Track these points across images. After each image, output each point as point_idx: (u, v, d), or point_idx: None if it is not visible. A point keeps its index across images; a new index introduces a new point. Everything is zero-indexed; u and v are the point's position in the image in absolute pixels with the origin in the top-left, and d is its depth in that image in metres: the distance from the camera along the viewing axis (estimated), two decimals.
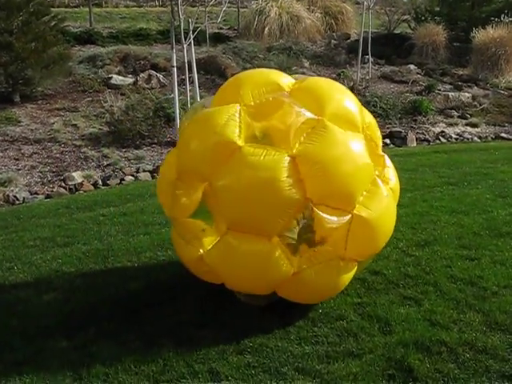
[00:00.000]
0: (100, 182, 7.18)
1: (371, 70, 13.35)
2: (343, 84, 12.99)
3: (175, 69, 8.54)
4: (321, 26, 16.53)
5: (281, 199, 3.06)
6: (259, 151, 3.10)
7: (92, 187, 7.04)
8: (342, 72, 13.42)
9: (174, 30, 8.60)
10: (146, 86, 10.71)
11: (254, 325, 3.47)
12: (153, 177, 7.50)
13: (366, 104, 11.30)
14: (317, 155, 3.11)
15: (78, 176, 7.16)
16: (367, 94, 11.97)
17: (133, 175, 7.48)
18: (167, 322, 3.55)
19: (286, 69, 13.54)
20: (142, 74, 10.96)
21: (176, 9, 16.36)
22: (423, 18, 17.36)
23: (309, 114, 3.24)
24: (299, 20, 15.80)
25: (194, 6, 16.18)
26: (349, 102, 3.47)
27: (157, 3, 18.54)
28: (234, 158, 3.14)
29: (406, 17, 18.64)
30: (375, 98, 11.63)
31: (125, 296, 3.87)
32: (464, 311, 3.60)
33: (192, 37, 8.52)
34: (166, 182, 3.63)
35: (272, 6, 15.38)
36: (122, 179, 7.31)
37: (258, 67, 13.26)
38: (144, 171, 7.61)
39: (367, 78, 13.07)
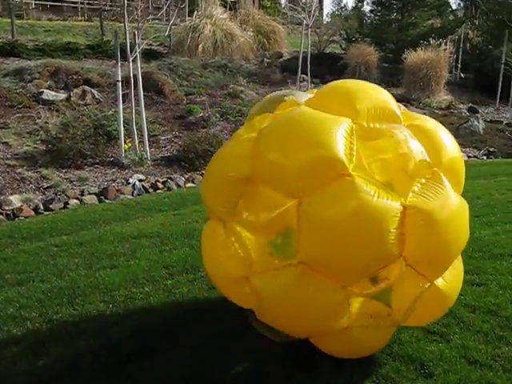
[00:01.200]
0: (41, 207, 6.39)
1: (309, 89, 13.19)
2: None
3: (120, 83, 7.88)
4: (253, 44, 16.32)
5: (379, 251, 2.55)
6: (373, 189, 2.51)
7: (33, 212, 6.24)
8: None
9: (118, 44, 7.93)
10: (81, 102, 9.92)
11: (273, 371, 2.96)
12: (99, 200, 6.80)
13: None
14: (428, 213, 2.58)
15: (15, 200, 6.33)
16: None
17: (78, 198, 6.73)
18: (163, 376, 2.95)
19: (223, 86, 13.22)
20: (75, 90, 10.16)
21: (104, 23, 15.69)
22: (353, 38, 17.61)
23: (426, 157, 2.72)
24: (233, 38, 15.50)
25: (121, 22, 15.57)
26: (460, 156, 3.00)
27: (81, 18, 17.64)
28: (338, 184, 2.52)
29: (334, 37, 18.90)
30: None
31: (106, 346, 3.22)
32: (498, 345, 3.27)
33: (138, 50, 7.90)
34: (225, 175, 2.83)
35: (206, 23, 14.98)
36: (67, 203, 6.55)
37: (195, 84, 12.92)
38: (89, 194, 6.88)
39: None
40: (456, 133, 12.11)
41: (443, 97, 14.76)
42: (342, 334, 2.77)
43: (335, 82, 3.19)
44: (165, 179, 7.69)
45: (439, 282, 2.81)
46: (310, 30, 13.00)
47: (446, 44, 14.70)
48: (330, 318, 2.70)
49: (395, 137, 2.72)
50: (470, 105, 14.20)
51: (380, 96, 2.97)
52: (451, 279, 2.90)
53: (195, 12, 15.66)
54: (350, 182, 2.51)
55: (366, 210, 2.48)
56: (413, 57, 14.66)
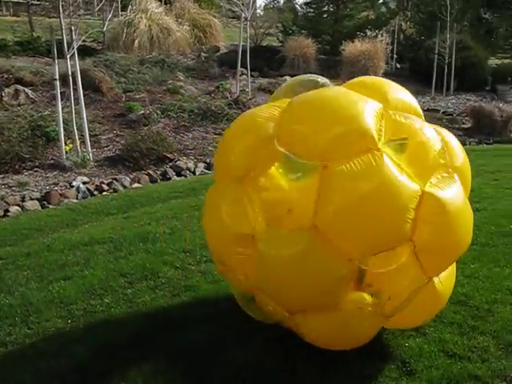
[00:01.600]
0: None
1: (250, 83, 13.06)
2: (225, 96, 12.49)
3: (57, 82, 7.49)
4: (190, 38, 16.04)
5: (395, 228, 2.57)
6: (398, 168, 2.57)
7: None
8: (221, 84, 13.01)
9: (54, 40, 7.52)
10: (14, 102, 9.43)
11: (249, 379, 2.82)
12: (42, 206, 6.43)
13: None
14: (443, 203, 2.64)
15: None
16: (252, 106, 11.62)
17: (18, 205, 6.34)
18: None
19: (162, 82, 12.90)
20: (7, 90, 9.62)
21: (33, 19, 14.99)
22: (290, 31, 17.63)
23: (443, 147, 2.78)
24: (169, 32, 15.16)
25: (50, 17, 14.91)
26: (467, 161, 3.05)
27: (7, 12, 16.79)
28: (366, 157, 2.54)
29: (270, 30, 18.88)
30: None
31: (70, 367, 2.98)
32: (472, 336, 3.25)
33: (76, 46, 7.52)
34: (250, 134, 2.87)
35: (141, 17, 14.58)
36: (7, 210, 6.15)
37: (133, 81, 12.53)
38: (31, 199, 6.50)
39: (247, 90, 12.76)
40: None
41: None
42: (335, 315, 2.71)
43: (365, 76, 3.38)
44: (110, 180, 7.38)
45: (435, 280, 2.80)
46: (248, 22, 12.85)
47: (382, 35, 14.92)
48: (331, 291, 2.66)
49: (412, 127, 2.80)
50: None
51: (407, 96, 3.10)
52: (446, 279, 2.88)
53: (129, 6, 15.20)
54: (379, 156, 2.55)
55: (389, 184, 2.53)
56: (350, 48, 14.81)
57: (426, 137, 2.76)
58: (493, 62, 17.69)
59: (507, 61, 17.59)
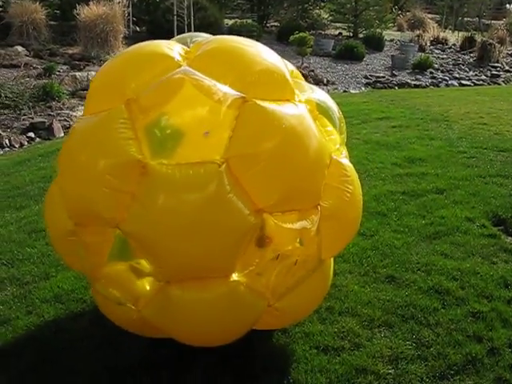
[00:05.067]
0: None
1: None
2: None
3: None
4: None
5: (229, 223, 2.15)
6: (181, 168, 2.09)
7: None
8: None
9: None
10: None
11: None
12: None
13: None
14: (253, 150, 2.17)
15: None
16: None
17: None
18: None
19: None
20: None
21: None
22: None
23: (227, 90, 2.19)
24: None
25: None
26: (274, 58, 2.49)
27: None
28: (143, 186, 2.12)
29: None
30: None
31: None
32: (334, 320, 3.05)
33: None
34: (61, 235, 2.52)
35: None
36: None
37: None
38: None
39: None
40: None
41: None
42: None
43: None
44: None
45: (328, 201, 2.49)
46: None
47: None
48: (237, 310, 2.38)
49: (180, 86, 2.31)
50: None
51: (144, 53, 2.57)
52: (345, 190, 2.57)
53: None
54: (151, 175, 2.12)
55: (181, 191, 2.13)
56: (86, 12, 13.71)
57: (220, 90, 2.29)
58: (226, 21, 18.21)
59: (240, 21, 18.24)
